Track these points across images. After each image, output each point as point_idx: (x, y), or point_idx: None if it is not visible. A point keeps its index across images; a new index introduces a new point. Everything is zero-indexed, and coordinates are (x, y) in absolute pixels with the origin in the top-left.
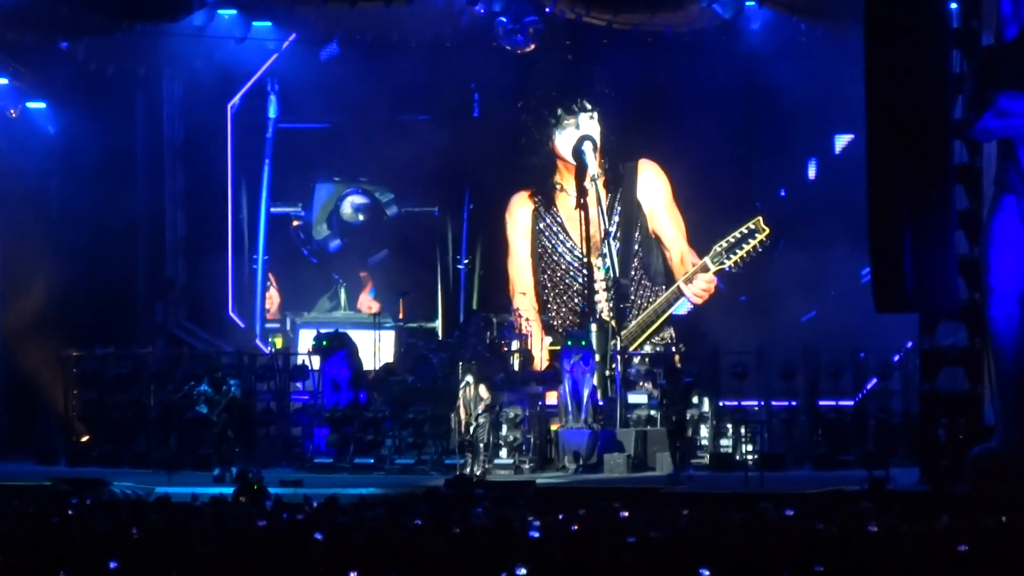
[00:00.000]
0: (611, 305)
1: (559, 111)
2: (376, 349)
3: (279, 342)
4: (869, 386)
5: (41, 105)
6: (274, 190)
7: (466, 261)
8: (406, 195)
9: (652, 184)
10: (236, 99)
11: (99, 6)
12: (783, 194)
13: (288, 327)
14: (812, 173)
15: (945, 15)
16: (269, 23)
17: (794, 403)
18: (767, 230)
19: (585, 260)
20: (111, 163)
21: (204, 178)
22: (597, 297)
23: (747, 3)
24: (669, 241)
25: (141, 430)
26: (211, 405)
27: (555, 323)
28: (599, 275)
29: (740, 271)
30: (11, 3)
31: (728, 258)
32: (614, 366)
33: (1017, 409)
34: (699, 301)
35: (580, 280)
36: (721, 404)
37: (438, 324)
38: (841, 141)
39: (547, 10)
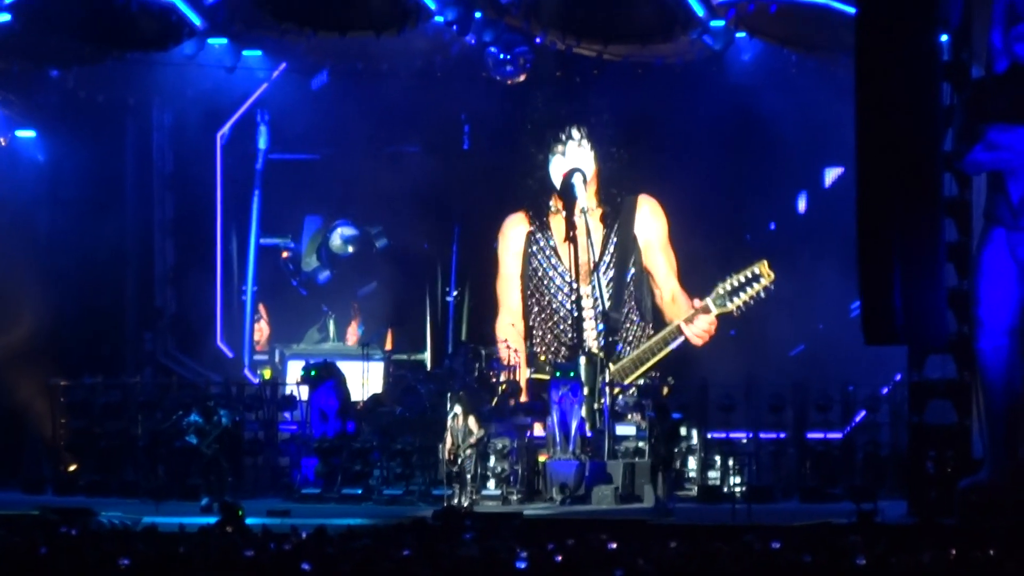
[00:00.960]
0: (597, 335)
1: (550, 139)
2: (364, 380)
3: (267, 374)
4: (857, 419)
5: (30, 133)
6: (263, 221)
7: (455, 293)
8: (395, 227)
9: (650, 220)
10: (226, 128)
11: (89, 35)
12: (773, 227)
13: (276, 359)
14: (802, 206)
15: (935, 48)
16: (259, 52)
17: (782, 435)
18: (772, 275)
19: (575, 286)
20: (100, 192)
21: (193, 208)
22: (585, 325)
23: (738, 35)
24: (661, 280)
25: (129, 459)
26: (201, 435)
27: (539, 350)
28: (587, 303)
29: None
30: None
31: (731, 301)
32: (603, 399)
33: (1006, 442)
34: (699, 342)
35: (568, 307)
36: (709, 436)
37: (426, 355)
38: (831, 174)
39: (537, 40)
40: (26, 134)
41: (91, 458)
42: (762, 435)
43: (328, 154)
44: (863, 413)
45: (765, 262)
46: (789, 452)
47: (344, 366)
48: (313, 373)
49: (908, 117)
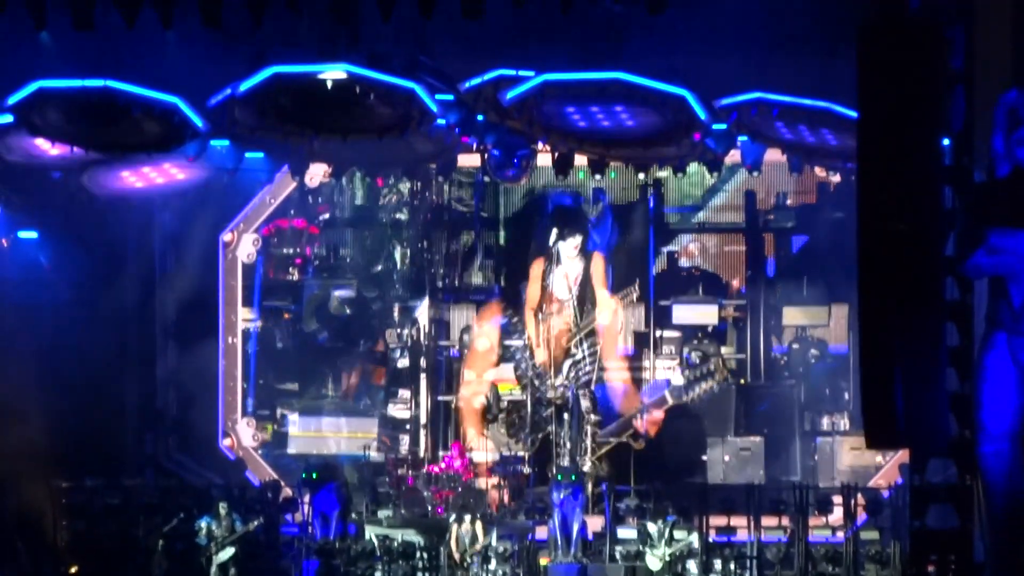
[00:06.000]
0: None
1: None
2: (367, 450)
3: (269, 429)
4: (859, 522)
5: (32, 234)
6: (264, 289)
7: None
8: (392, 294)
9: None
10: (227, 232)
11: (91, 137)
12: (771, 275)
13: (277, 415)
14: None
15: (937, 152)
16: (261, 154)
17: (784, 539)
18: (726, 372)
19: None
20: (102, 293)
21: (195, 309)
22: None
23: (740, 138)
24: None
25: (130, 562)
26: (213, 538)
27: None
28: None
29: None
30: (1, 131)
31: (686, 394)
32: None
33: (1007, 547)
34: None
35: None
36: (711, 539)
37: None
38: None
39: (539, 143)
40: (28, 235)
41: (92, 560)
42: (764, 538)
43: (326, 223)
44: (865, 517)
45: (720, 359)
46: (791, 554)
47: (342, 422)
48: (315, 475)
49: (910, 220)
